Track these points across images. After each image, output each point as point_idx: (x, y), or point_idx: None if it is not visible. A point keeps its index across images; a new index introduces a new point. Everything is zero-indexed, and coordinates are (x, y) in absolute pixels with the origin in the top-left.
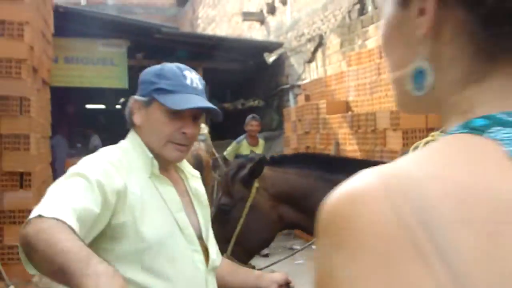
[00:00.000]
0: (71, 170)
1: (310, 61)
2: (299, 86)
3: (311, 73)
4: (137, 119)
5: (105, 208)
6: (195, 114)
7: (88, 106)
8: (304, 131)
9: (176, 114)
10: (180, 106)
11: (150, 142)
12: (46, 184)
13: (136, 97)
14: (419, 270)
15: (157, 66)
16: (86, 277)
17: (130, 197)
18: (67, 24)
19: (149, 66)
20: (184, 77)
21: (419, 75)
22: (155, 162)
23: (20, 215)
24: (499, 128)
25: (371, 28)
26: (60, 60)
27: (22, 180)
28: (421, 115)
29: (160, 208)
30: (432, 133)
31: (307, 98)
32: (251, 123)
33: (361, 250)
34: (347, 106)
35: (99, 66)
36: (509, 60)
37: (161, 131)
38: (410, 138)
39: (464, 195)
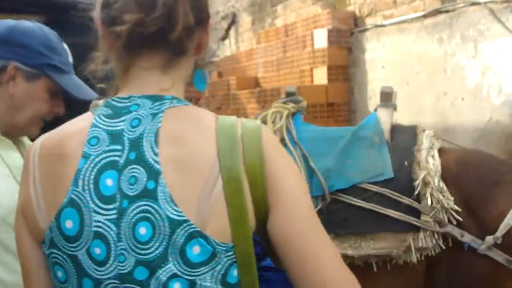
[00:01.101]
0: None
1: (224, 38)
2: (213, 62)
3: (225, 51)
4: (12, 88)
5: None
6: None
7: None
8: (216, 106)
9: (56, 93)
10: (84, 95)
11: (9, 111)
12: None
13: (19, 64)
14: (27, 176)
15: (39, 30)
16: None
17: None
18: None
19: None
20: (67, 52)
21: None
22: None
23: None
24: (103, 107)
25: (279, 8)
26: None
27: None
28: (322, 91)
29: (4, 176)
30: (275, 104)
31: (220, 74)
32: None
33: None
34: (256, 82)
35: None
36: (142, 59)
37: (38, 107)
38: (312, 113)
39: (50, 142)
